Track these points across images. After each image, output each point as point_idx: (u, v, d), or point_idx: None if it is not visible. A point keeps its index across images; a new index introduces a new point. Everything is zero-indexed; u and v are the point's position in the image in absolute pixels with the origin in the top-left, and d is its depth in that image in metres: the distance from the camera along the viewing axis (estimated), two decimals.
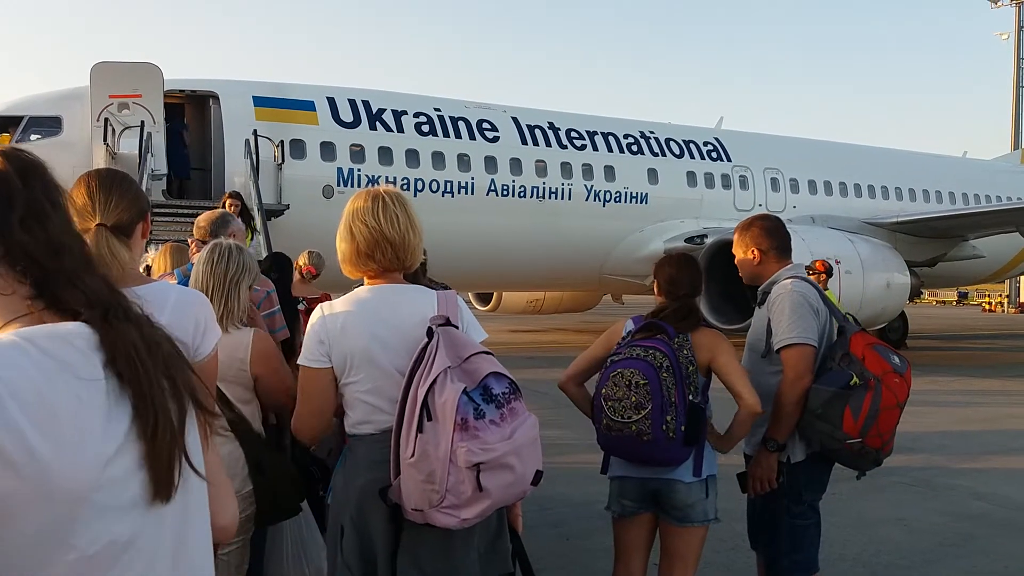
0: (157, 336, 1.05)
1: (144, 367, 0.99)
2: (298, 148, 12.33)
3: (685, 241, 14.63)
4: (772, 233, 3.15)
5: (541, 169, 14.21)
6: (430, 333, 2.08)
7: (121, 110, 10.98)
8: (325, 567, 2.51)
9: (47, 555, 0.88)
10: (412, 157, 13.15)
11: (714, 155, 16.13)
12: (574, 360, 3.14)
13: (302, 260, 6.14)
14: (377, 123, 13.13)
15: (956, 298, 43.26)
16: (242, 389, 2.75)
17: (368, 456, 2.16)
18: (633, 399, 2.70)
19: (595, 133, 15.08)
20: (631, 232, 15.01)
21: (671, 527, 2.94)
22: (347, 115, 12.96)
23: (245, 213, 7.65)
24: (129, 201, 1.97)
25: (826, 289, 7.32)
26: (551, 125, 14.75)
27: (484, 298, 19.40)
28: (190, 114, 12.73)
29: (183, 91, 12.35)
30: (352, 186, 12.31)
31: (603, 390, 2.80)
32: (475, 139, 13.83)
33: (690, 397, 2.76)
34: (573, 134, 14.84)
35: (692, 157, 15.85)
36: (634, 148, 15.30)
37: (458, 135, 13.73)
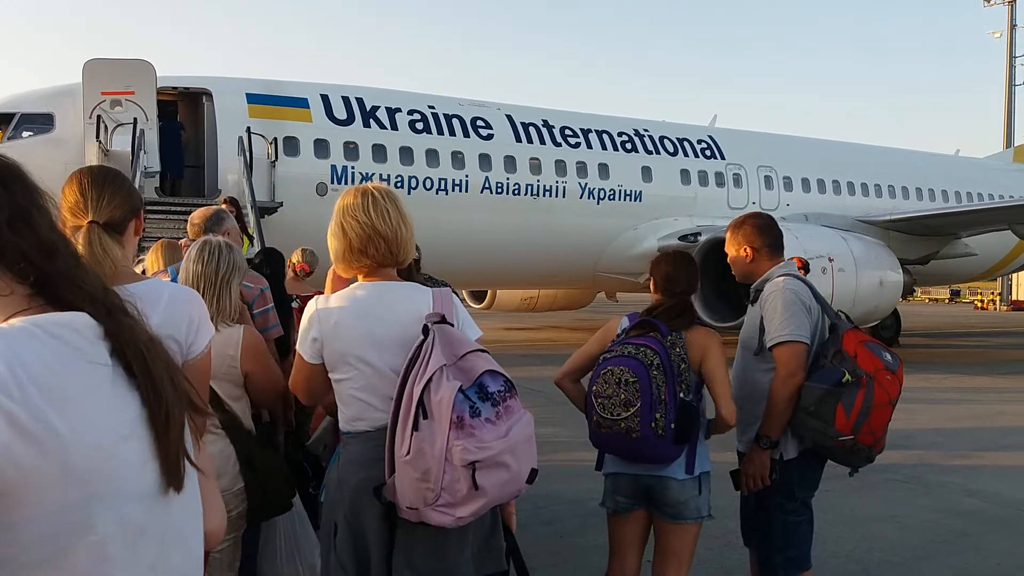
0: (154, 335, 1.07)
1: (153, 360, 1.02)
2: (292, 145, 12.30)
3: (679, 239, 14.64)
4: (764, 231, 3.16)
5: (535, 167, 14.21)
6: (425, 331, 2.08)
7: (114, 107, 10.93)
8: (319, 565, 2.51)
9: (72, 537, 0.91)
10: (406, 154, 13.14)
11: (708, 153, 16.15)
12: (570, 357, 3.15)
13: (296, 258, 6.12)
14: (371, 120, 13.11)
15: (948, 296, 43.37)
16: (232, 386, 2.74)
17: (362, 454, 2.16)
18: (622, 396, 2.71)
19: (589, 131, 15.09)
20: (625, 230, 15.02)
21: (664, 524, 2.96)
22: (341, 112, 12.93)
23: (240, 219, 7.62)
24: (121, 198, 1.96)
25: None
26: (545, 123, 14.75)
27: (478, 296, 19.40)
28: (183, 111, 12.68)
29: (176, 88, 12.31)
30: (346, 183, 12.29)
31: (594, 387, 2.81)
32: (469, 137, 13.82)
33: (681, 395, 2.77)
34: (567, 132, 14.84)
35: (686, 155, 15.87)
36: (628, 146, 15.31)
37: (452, 133, 13.71)
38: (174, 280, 3.23)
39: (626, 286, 16.30)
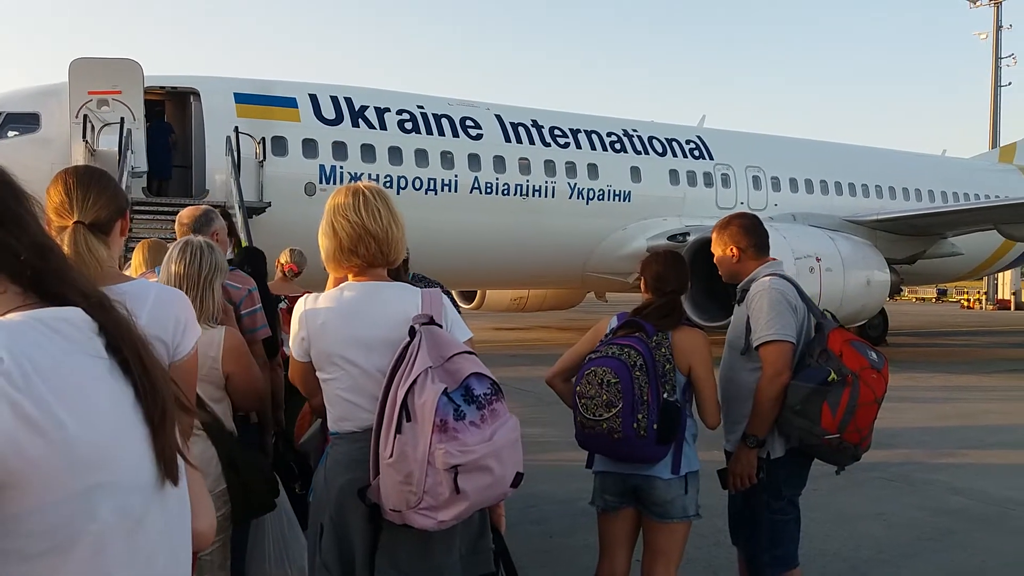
0: (143, 334, 1.09)
1: (148, 356, 1.04)
2: (280, 145, 12.25)
3: (668, 239, 14.67)
4: (750, 231, 3.18)
5: (524, 167, 14.21)
6: (412, 332, 2.07)
7: (100, 107, 10.86)
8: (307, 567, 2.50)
9: (74, 528, 0.92)
10: (395, 154, 13.11)
11: (696, 153, 16.20)
12: (561, 356, 3.16)
13: (284, 258, 6.10)
14: (360, 120, 13.08)
15: (935, 295, 43.66)
16: (214, 388, 2.73)
17: (348, 455, 2.15)
18: (604, 397, 2.72)
19: (578, 131, 15.10)
20: (614, 230, 15.04)
21: (652, 523, 2.97)
22: (329, 112, 12.89)
23: (232, 230, 7.56)
24: (107, 198, 1.95)
25: None
26: (534, 123, 14.75)
27: (468, 296, 19.38)
28: (171, 111, 12.62)
29: (164, 88, 12.25)
30: (334, 183, 12.25)
31: (578, 388, 2.83)
32: (458, 137, 13.81)
33: (665, 395, 2.78)
34: (556, 132, 14.85)
35: (675, 155, 15.91)
36: (617, 146, 15.34)
37: (441, 133, 13.70)
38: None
39: (615, 286, 16.33)
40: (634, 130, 15.85)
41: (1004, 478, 6.15)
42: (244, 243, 8.74)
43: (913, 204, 18.52)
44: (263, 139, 11.96)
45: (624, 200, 15.11)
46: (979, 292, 37.24)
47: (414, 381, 1.97)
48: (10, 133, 11.24)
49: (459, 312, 2.42)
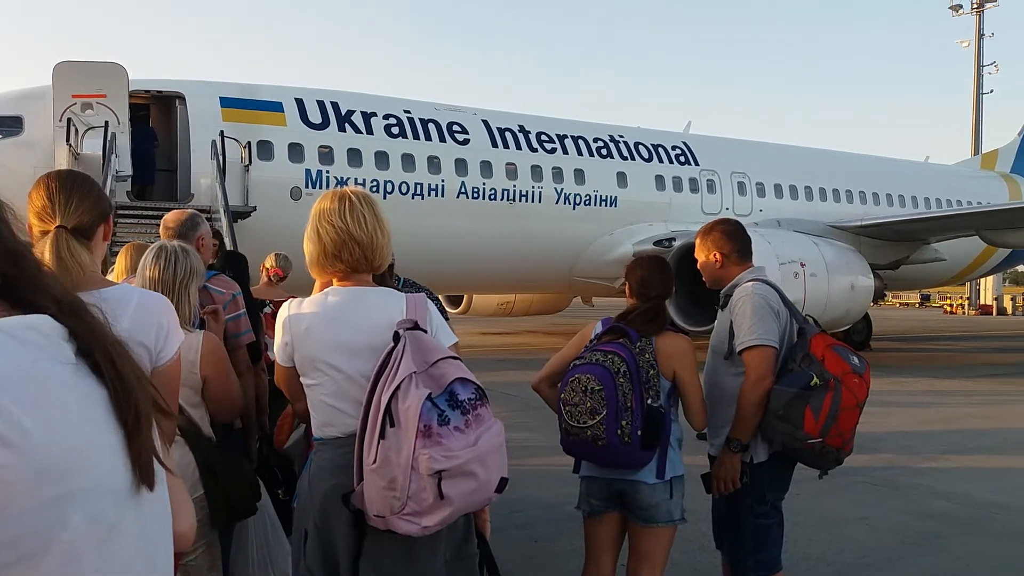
0: (120, 337, 1.07)
1: (121, 361, 1.02)
2: (266, 149, 12.21)
3: (654, 244, 14.72)
4: (733, 237, 3.20)
5: (511, 172, 14.22)
6: (396, 337, 2.07)
7: (84, 110, 10.79)
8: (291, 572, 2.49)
9: (44, 536, 0.90)
10: (381, 159, 13.10)
11: (682, 159, 16.27)
12: (547, 362, 3.16)
13: (269, 263, 6.08)
14: (346, 125, 13.05)
15: (919, 300, 44.03)
16: (191, 392, 2.72)
17: (332, 460, 2.15)
18: (588, 404, 2.73)
19: (565, 136, 15.14)
20: (600, 235, 15.08)
21: (637, 527, 2.97)
22: (316, 116, 12.87)
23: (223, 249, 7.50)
24: (90, 203, 1.94)
25: None
26: (521, 128, 14.78)
27: (454, 300, 19.36)
28: (156, 115, 12.55)
29: (149, 91, 12.18)
30: (320, 188, 12.22)
31: (562, 395, 2.83)
32: (445, 141, 13.81)
33: (649, 401, 2.79)
34: (543, 137, 14.88)
35: (661, 161, 15.98)
36: (604, 152, 15.39)
37: (428, 137, 13.69)
38: None
39: (602, 291, 16.36)
40: (620, 136, 15.91)
41: (987, 482, 6.20)
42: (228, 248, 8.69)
43: (897, 210, 18.67)
44: (249, 143, 11.92)
45: (611, 205, 15.15)
46: (962, 297, 37.58)
47: (398, 386, 1.97)
48: None
49: (447, 318, 2.42)
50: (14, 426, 0.88)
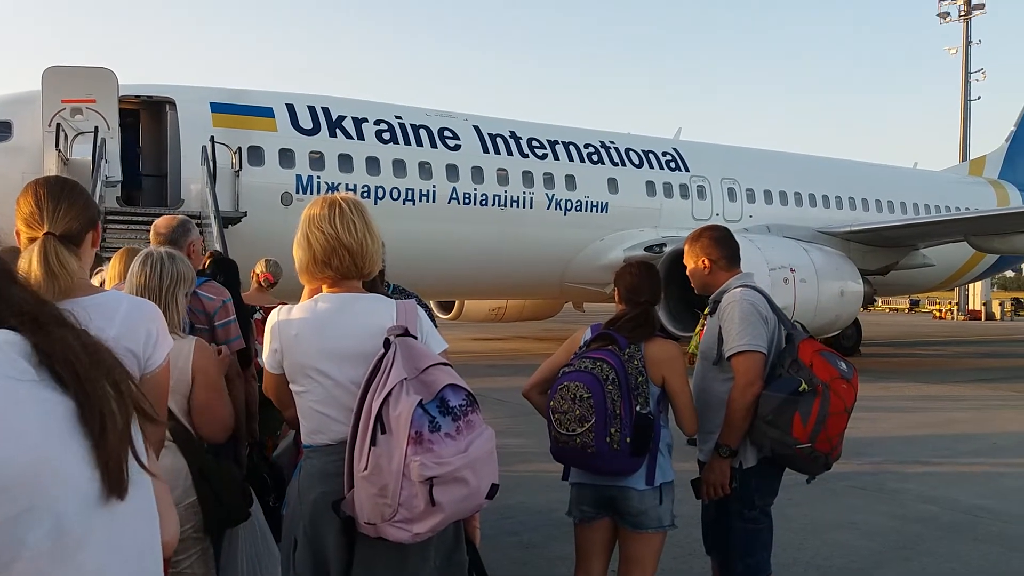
0: (96, 343, 1.06)
1: (85, 370, 1.00)
2: (256, 155, 12.20)
3: (644, 250, 14.76)
4: (721, 243, 3.22)
5: (503, 178, 14.25)
6: (387, 344, 2.07)
7: (74, 115, 10.76)
8: None
9: (8, 553, 0.89)
10: (373, 165, 13.10)
11: (672, 165, 16.33)
12: (537, 368, 3.17)
13: (259, 268, 6.06)
14: (337, 130, 13.05)
15: (908, 305, 44.27)
16: (183, 398, 2.71)
17: (322, 468, 2.14)
18: (577, 412, 2.74)
19: (556, 142, 15.18)
20: (592, 241, 15.12)
21: (627, 533, 2.98)
22: (306, 122, 12.86)
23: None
24: (78, 210, 1.94)
25: None
26: (512, 134, 14.80)
27: (446, 306, 19.35)
28: (146, 120, 12.52)
29: (139, 97, 12.15)
30: (311, 193, 12.21)
31: (551, 403, 2.84)
32: (436, 147, 13.82)
33: (638, 408, 2.79)
34: (534, 143, 14.91)
35: (651, 167, 16.03)
36: (594, 158, 15.43)
37: (419, 143, 13.70)
38: None
39: (593, 296, 16.39)
40: (611, 142, 15.96)
41: (974, 486, 6.24)
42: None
43: (886, 216, 18.78)
44: (239, 149, 11.91)
45: (602, 211, 15.19)
46: (951, 303, 37.79)
47: (389, 393, 1.96)
48: None
49: (435, 324, 2.42)
50: None
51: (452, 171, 13.77)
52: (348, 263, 2.17)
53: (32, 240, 1.92)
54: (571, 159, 15.12)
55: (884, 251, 16.23)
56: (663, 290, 3.16)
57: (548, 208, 14.59)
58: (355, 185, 12.73)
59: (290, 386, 2.21)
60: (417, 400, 1.95)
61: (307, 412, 2.18)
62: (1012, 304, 38.97)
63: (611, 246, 15.16)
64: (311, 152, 12.65)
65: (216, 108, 12.24)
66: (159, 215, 4.50)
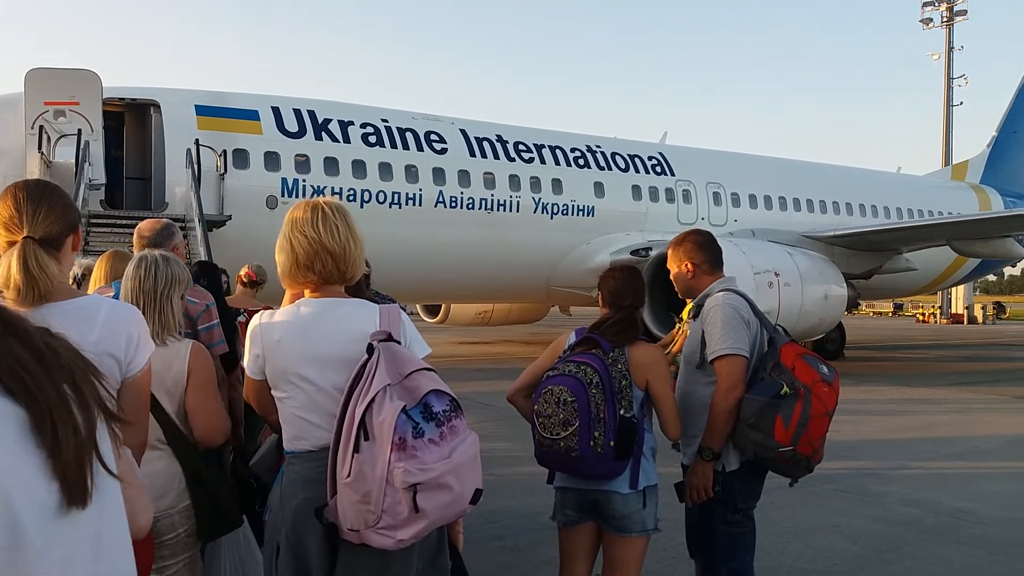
0: (54, 345, 1.03)
1: (34, 378, 0.97)
2: (241, 158, 12.14)
3: (631, 253, 14.82)
4: (704, 247, 3.24)
5: (489, 181, 14.26)
6: (370, 349, 2.06)
7: (57, 117, 10.67)
8: None
9: None
10: (359, 168, 13.07)
11: (658, 169, 16.40)
12: (522, 373, 3.17)
13: (243, 271, 6.04)
14: (323, 133, 13.02)
15: (892, 309, 44.62)
16: (179, 401, 2.69)
17: (304, 474, 2.13)
18: (561, 416, 2.74)
19: (542, 146, 15.21)
20: (578, 244, 15.15)
21: (611, 537, 2.99)
22: (292, 125, 12.82)
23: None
24: (58, 214, 1.93)
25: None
26: (499, 138, 14.82)
27: (432, 310, 19.34)
28: (130, 123, 12.44)
29: (123, 99, 12.08)
30: (297, 196, 12.16)
31: (535, 406, 2.84)
32: (423, 150, 13.81)
33: (622, 412, 2.80)
34: (521, 147, 14.93)
35: (637, 171, 16.09)
36: (581, 162, 15.47)
37: (406, 146, 13.69)
38: (118, 295, 3.17)
39: (580, 300, 16.42)
40: (597, 146, 16.01)
41: (956, 489, 6.29)
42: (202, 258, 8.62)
43: (869, 220, 18.93)
44: (224, 151, 11.85)
45: (588, 215, 15.23)
46: (934, 307, 38.13)
47: (372, 399, 1.95)
48: None
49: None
50: None
51: (439, 175, 13.77)
52: (331, 267, 2.16)
53: (11, 244, 1.90)
54: (557, 163, 15.16)
55: (868, 255, 16.36)
56: (648, 294, 3.18)
57: (535, 212, 14.62)
58: (341, 188, 12.71)
59: (272, 392, 2.20)
60: (401, 406, 1.94)
61: (289, 418, 2.17)
62: (994, 308, 39.35)
63: (597, 250, 15.20)
64: (297, 155, 12.61)
65: (201, 111, 12.18)
66: (143, 218, 4.47)
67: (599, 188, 15.43)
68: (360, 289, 3.25)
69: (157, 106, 12.02)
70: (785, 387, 2.85)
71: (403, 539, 1.96)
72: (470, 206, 13.98)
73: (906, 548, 4.90)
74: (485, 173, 14.25)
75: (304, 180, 12.51)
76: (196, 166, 11.15)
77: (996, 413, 10.24)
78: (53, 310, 1.88)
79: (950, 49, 36.88)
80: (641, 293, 3.10)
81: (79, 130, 10.36)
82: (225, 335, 3.48)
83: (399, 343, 2.13)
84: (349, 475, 1.95)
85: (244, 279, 6.00)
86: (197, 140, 11.52)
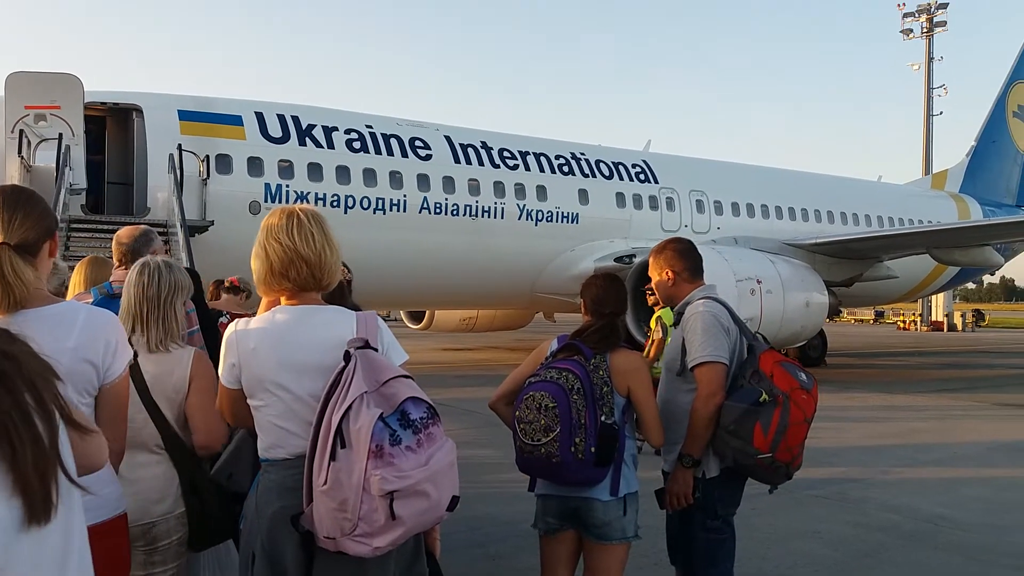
0: (13, 352, 1.01)
1: None
2: (224, 163, 12.09)
3: (615, 260, 14.87)
4: (684, 255, 3.27)
5: (474, 188, 14.27)
6: (347, 357, 2.06)
7: (38, 122, 10.58)
8: None
9: None
10: (343, 174, 13.04)
11: (642, 177, 16.48)
12: (504, 380, 3.17)
13: (227, 282, 6.04)
14: (307, 139, 12.98)
15: (873, 317, 45.00)
16: (179, 408, 2.67)
17: (280, 482, 2.12)
18: (542, 422, 2.75)
19: (527, 153, 15.25)
20: (562, 251, 15.19)
21: (591, 544, 2.99)
22: (276, 130, 12.78)
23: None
24: (35, 220, 1.92)
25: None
26: (484, 144, 14.85)
27: (416, 316, 19.30)
28: (112, 128, 12.35)
29: (105, 103, 12.00)
30: (280, 202, 12.11)
31: (517, 413, 2.84)
32: (407, 157, 13.81)
33: (603, 418, 2.81)
34: (506, 154, 14.97)
35: (621, 179, 16.17)
36: (565, 169, 15.53)
37: (390, 152, 13.68)
38: (98, 301, 3.15)
39: (564, 306, 16.45)
40: (582, 153, 16.07)
41: (935, 495, 6.35)
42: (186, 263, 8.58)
43: (851, 228, 19.11)
44: (207, 156, 11.80)
45: (572, 222, 15.28)
46: (914, 314, 38.48)
47: (349, 406, 1.95)
48: None
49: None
50: None
51: (423, 181, 13.77)
52: (306, 275, 2.15)
53: None
54: (542, 170, 15.21)
55: (849, 263, 16.51)
56: (631, 301, 3.19)
57: (519, 218, 14.65)
58: (325, 194, 12.68)
59: (248, 401, 2.18)
60: (378, 413, 1.93)
61: (265, 426, 2.16)
62: (973, 315, 39.80)
63: (581, 256, 15.25)
64: (280, 160, 12.57)
65: (184, 115, 12.12)
66: (124, 223, 4.45)
67: (583, 195, 15.49)
68: (344, 296, 3.25)
69: (139, 111, 11.95)
70: (764, 394, 2.87)
71: (380, 546, 1.95)
72: (455, 212, 13.99)
73: (885, 554, 4.94)
74: (470, 179, 14.26)
75: (288, 186, 12.48)
76: (178, 171, 11.09)
77: (975, 420, 10.35)
78: (30, 316, 1.87)
79: (930, 60, 37.29)
80: (623, 301, 3.12)
81: (60, 134, 10.28)
82: (208, 340, 3.47)
83: (376, 350, 2.12)
84: (325, 483, 1.94)
85: (228, 284, 5.99)
86: (180, 145, 11.47)
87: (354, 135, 13.46)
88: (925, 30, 37.40)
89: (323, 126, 13.25)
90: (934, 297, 32.96)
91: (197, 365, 2.68)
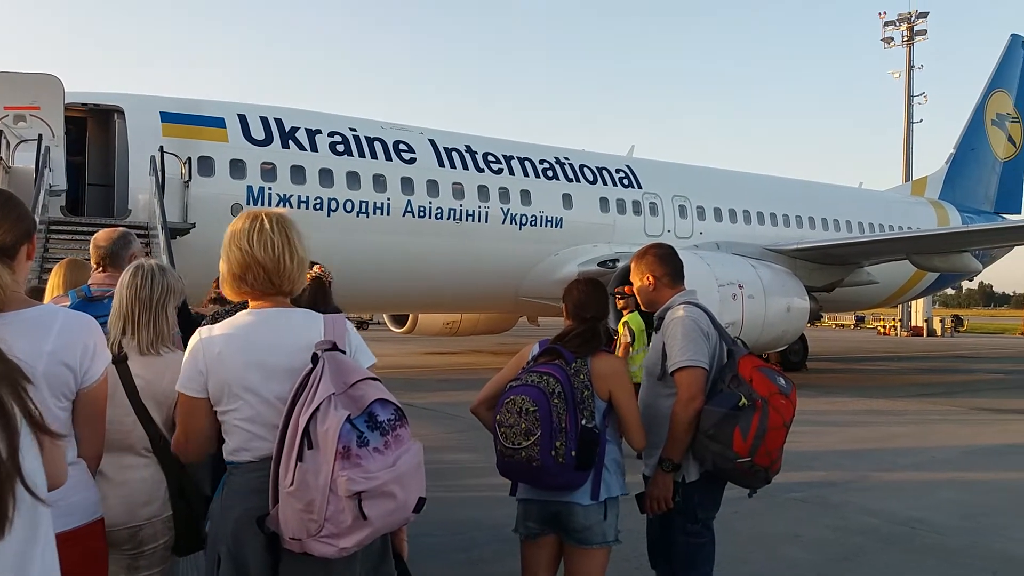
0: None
1: None
2: (206, 165, 12.02)
3: (598, 265, 14.91)
4: (665, 260, 3.29)
5: (458, 191, 14.27)
6: (315, 359, 2.06)
7: (17, 122, 10.48)
8: None
9: None
10: (326, 176, 13.00)
11: (626, 182, 16.55)
12: (486, 384, 3.18)
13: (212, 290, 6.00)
14: (290, 141, 12.94)
15: (854, 322, 45.38)
16: (169, 412, 2.66)
17: (246, 484, 2.12)
18: (523, 426, 2.75)
19: (511, 157, 15.27)
20: (546, 255, 15.22)
21: (572, 549, 2.99)
22: (259, 133, 12.72)
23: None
24: (11, 222, 1.90)
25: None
26: (468, 148, 14.86)
27: (400, 320, 19.27)
28: (93, 129, 12.25)
29: (86, 104, 11.90)
30: (262, 204, 12.06)
31: (498, 416, 2.85)
32: (391, 160, 13.79)
33: (583, 422, 2.82)
34: (490, 158, 14.98)
35: (605, 183, 16.22)
36: (549, 173, 15.56)
37: (374, 155, 13.66)
38: (76, 304, 3.12)
39: (548, 310, 16.47)
40: (566, 158, 16.12)
41: (912, 499, 6.41)
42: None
43: (832, 234, 19.27)
44: (189, 159, 11.72)
45: (556, 226, 15.32)
46: (894, 319, 38.85)
47: (317, 408, 1.95)
48: None
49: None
50: None
51: (407, 184, 13.75)
52: (263, 280, 2.15)
53: None
54: (526, 174, 15.24)
55: (830, 268, 16.65)
56: (608, 306, 3.21)
57: (503, 223, 14.66)
58: (308, 197, 12.64)
59: (215, 407, 2.16)
60: (345, 415, 1.94)
61: (232, 430, 2.15)
62: (952, 321, 40.23)
63: (565, 261, 15.29)
64: (263, 163, 12.52)
65: (166, 117, 12.05)
66: (105, 225, 4.40)
67: (567, 200, 15.53)
68: (327, 298, 3.24)
69: (121, 112, 11.87)
70: (743, 399, 2.89)
71: (345, 547, 1.96)
72: (439, 216, 13.98)
73: (864, 557, 4.98)
74: (454, 183, 14.27)
75: (270, 188, 12.42)
76: (160, 173, 11.02)
77: (953, 424, 10.46)
78: (7, 320, 1.86)
79: (910, 68, 37.71)
80: (604, 305, 3.14)
81: (40, 135, 10.19)
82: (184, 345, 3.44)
83: (344, 352, 2.13)
84: (292, 484, 1.94)
85: (216, 286, 5.95)
86: (161, 147, 11.40)
87: (338, 138, 13.43)
88: (906, 38, 37.83)
89: (306, 129, 13.21)
90: (914, 303, 33.29)
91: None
